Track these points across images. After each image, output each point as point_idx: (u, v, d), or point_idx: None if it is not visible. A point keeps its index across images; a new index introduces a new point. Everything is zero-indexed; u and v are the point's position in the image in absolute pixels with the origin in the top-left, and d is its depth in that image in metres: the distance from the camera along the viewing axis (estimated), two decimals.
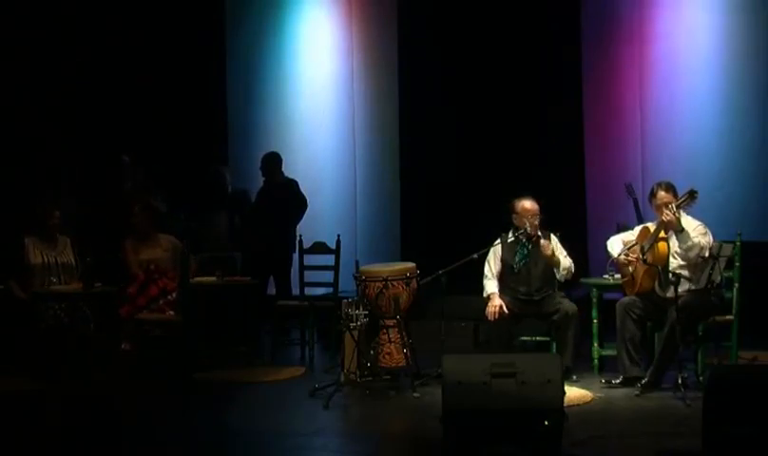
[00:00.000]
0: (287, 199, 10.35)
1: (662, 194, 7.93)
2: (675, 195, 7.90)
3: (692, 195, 7.75)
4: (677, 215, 7.75)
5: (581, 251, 9.55)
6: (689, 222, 7.89)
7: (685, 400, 7.30)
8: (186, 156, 11.22)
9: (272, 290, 10.33)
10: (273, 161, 10.42)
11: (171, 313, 9.06)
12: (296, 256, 9.85)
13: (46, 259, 9.19)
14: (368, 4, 11.43)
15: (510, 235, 8.42)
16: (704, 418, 5.69)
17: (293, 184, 10.40)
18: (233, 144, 11.62)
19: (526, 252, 8.41)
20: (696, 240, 7.74)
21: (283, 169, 10.47)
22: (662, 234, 7.88)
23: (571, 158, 10.61)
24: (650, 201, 8.07)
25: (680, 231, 7.76)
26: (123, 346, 9.02)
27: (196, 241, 9.93)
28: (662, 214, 7.86)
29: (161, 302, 9.12)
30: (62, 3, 11.13)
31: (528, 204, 8.39)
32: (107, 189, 10.34)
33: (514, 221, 8.43)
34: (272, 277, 10.36)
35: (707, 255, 7.72)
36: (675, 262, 7.83)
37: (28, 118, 10.84)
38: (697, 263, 7.77)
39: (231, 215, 10.82)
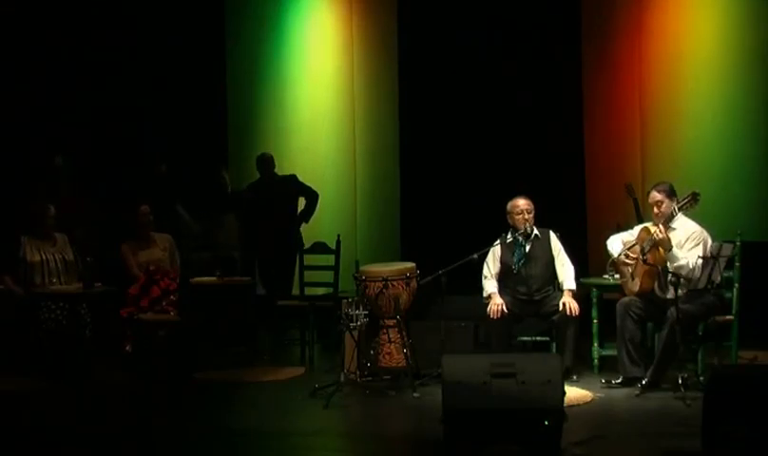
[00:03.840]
0: (287, 196, 10.35)
1: (653, 193, 7.94)
2: (670, 196, 7.88)
3: (694, 197, 7.72)
4: (667, 234, 7.74)
5: (581, 251, 9.55)
6: (686, 227, 7.89)
7: (685, 400, 7.30)
8: (186, 156, 11.20)
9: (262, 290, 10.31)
10: (265, 162, 10.42)
11: (174, 313, 9.07)
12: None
13: (44, 257, 9.15)
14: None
15: (509, 236, 8.44)
16: (704, 418, 5.70)
17: (292, 180, 10.38)
18: (233, 145, 11.61)
19: (524, 252, 8.42)
20: (684, 262, 7.71)
21: (283, 169, 10.48)
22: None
23: (571, 158, 10.61)
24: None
25: (669, 249, 7.75)
26: (125, 347, 9.03)
27: (196, 240, 9.95)
28: (654, 215, 7.88)
29: (164, 303, 9.12)
30: (63, 3, 11.13)
31: (518, 201, 8.42)
32: (42, 191, 10.00)
33: (509, 222, 8.45)
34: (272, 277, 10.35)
35: (698, 272, 7.70)
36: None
37: (27, 117, 10.84)
38: (690, 279, 7.75)
39: (238, 216, 10.83)
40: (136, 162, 10.86)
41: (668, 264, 7.75)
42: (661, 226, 7.76)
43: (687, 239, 7.82)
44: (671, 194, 7.90)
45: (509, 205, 8.46)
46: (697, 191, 7.76)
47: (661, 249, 7.77)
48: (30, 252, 9.13)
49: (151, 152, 10.92)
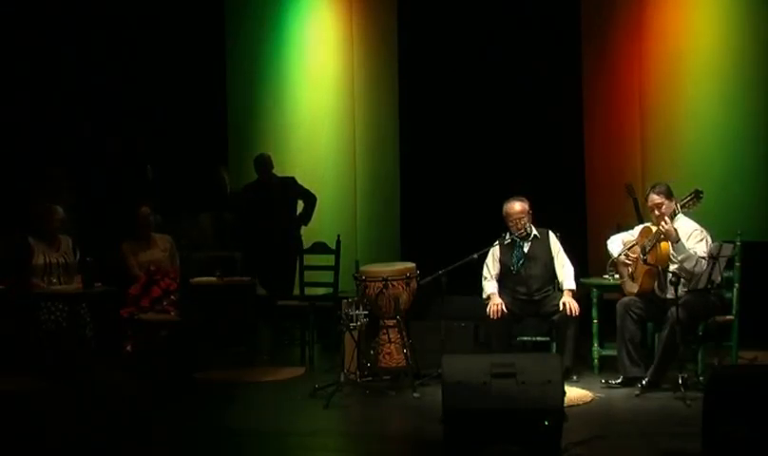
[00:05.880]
0: (286, 198, 10.35)
1: (652, 196, 7.90)
2: (669, 196, 7.86)
3: (697, 194, 7.67)
4: (673, 226, 7.72)
5: (581, 251, 9.55)
6: (686, 226, 7.87)
7: (685, 400, 7.31)
8: (186, 156, 11.20)
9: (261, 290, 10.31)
10: (263, 163, 10.42)
11: (174, 313, 9.06)
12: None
13: (47, 260, 9.12)
14: None
15: (507, 236, 8.43)
16: (704, 418, 5.70)
17: (291, 182, 10.38)
18: (233, 145, 11.61)
19: (523, 252, 8.41)
20: (692, 252, 7.70)
21: (283, 169, 10.47)
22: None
23: (571, 158, 10.61)
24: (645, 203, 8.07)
25: (676, 241, 7.73)
26: (125, 347, 9.02)
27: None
28: (654, 218, 7.87)
29: (164, 303, 9.11)
30: (65, 3, 11.13)
31: (510, 209, 8.41)
32: None
33: (506, 224, 8.44)
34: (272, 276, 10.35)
35: (705, 265, 7.68)
36: (674, 266, 7.80)
37: (27, 116, 10.84)
38: (694, 273, 7.73)
39: (217, 215, 10.82)
40: (137, 163, 10.86)
41: (671, 261, 7.74)
42: (666, 218, 7.73)
43: (689, 238, 7.81)
44: (669, 195, 7.88)
45: (504, 210, 8.44)
46: (700, 189, 7.74)
47: (663, 245, 7.74)
48: (36, 254, 9.11)
49: (149, 153, 10.92)
